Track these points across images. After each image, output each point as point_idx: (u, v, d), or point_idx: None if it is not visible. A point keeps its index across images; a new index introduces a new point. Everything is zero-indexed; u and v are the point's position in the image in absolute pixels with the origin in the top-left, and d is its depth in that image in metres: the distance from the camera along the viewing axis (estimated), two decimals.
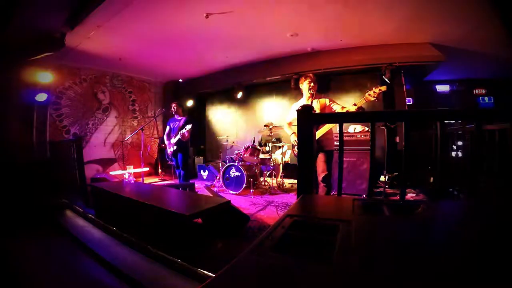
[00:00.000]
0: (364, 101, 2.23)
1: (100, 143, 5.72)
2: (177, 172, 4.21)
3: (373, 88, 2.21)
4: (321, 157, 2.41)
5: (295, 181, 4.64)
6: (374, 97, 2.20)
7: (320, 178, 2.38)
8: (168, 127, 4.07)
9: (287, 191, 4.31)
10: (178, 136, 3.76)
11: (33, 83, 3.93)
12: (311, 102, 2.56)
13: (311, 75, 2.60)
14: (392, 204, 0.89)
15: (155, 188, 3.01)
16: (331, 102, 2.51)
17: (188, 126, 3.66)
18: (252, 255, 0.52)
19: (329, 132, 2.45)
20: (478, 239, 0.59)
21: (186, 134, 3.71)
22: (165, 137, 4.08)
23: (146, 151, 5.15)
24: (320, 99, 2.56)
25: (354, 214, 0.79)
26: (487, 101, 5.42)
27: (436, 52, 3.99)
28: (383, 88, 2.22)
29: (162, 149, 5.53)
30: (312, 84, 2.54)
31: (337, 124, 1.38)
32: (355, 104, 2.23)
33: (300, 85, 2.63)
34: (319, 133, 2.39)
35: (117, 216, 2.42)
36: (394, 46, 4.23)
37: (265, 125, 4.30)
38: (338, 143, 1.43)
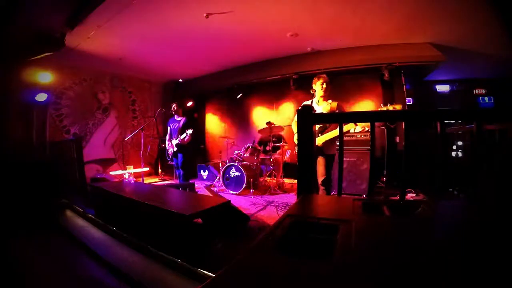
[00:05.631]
0: None
1: (100, 143, 5.71)
2: (177, 173, 4.22)
3: (388, 104, 2.18)
4: (320, 161, 2.40)
5: (295, 181, 4.64)
6: None
7: (319, 181, 2.39)
8: (168, 128, 4.09)
9: (287, 191, 4.31)
10: (177, 141, 3.81)
11: (33, 83, 3.93)
12: (318, 103, 2.55)
13: (324, 75, 2.57)
14: (392, 204, 0.89)
15: (155, 188, 3.01)
16: (341, 110, 2.48)
17: (189, 131, 3.68)
18: (252, 255, 0.52)
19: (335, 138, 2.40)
20: (478, 239, 0.59)
21: (186, 139, 3.76)
22: (167, 139, 4.10)
23: (146, 151, 5.15)
24: (332, 103, 2.52)
25: (354, 214, 0.79)
26: (487, 101, 5.41)
27: (436, 52, 3.99)
28: (398, 106, 2.17)
29: (162, 149, 5.53)
30: (325, 85, 2.52)
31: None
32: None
33: (313, 85, 2.58)
34: (324, 138, 2.35)
35: (117, 216, 2.42)
36: (394, 46, 4.23)
37: (266, 124, 4.30)
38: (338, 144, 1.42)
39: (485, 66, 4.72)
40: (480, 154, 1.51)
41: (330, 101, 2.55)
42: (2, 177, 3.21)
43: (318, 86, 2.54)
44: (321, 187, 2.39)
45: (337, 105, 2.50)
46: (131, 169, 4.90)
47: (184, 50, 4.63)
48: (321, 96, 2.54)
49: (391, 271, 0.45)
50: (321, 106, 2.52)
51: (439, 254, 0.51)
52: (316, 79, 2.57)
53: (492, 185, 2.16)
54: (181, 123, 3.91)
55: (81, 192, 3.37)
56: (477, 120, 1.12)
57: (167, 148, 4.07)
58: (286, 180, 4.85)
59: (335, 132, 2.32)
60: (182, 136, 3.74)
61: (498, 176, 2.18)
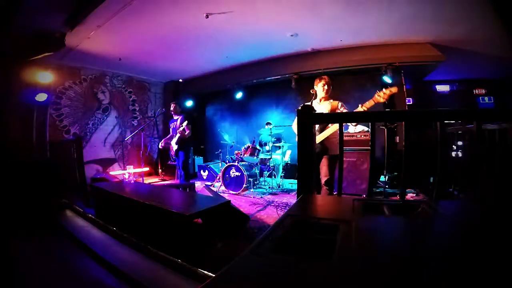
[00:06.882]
0: (373, 102, 2.12)
1: (100, 143, 5.71)
2: (178, 172, 4.23)
3: (383, 89, 2.07)
4: (324, 161, 2.42)
5: (295, 181, 4.64)
6: (384, 98, 2.07)
7: (322, 181, 2.40)
8: (170, 130, 4.11)
9: (287, 191, 4.31)
10: (178, 135, 3.82)
11: (33, 83, 3.93)
12: (319, 103, 2.57)
13: (326, 77, 2.59)
14: (392, 204, 0.89)
15: (155, 188, 3.01)
16: (342, 108, 2.50)
17: (185, 123, 3.74)
18: (252, 255, 0.52)
19: (335, 135, 2.36)
20: (478, 239, 0.59)
21: (186, 133, 3.78)
22: (169, 141, 4.11)
23: (146, 151, 5.15)
24: (333, 102, 2.55)
25: (354, 214, 0.79)
26: (487, 101, 5.42)
27: (436, 52, 3.99)
28: (394, 89, 2.06)
29: (162, 149, 5.54)
30: (326, 86, 2.55)
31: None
32: (362, 105, 2.14)
33: (315, 86, 2.61)
34: (323, 135, 2.35)
35: (117, 216, 2.42)
36: (394, 46, 4.23)
37: (266, 124, 4.30)
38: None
39: (485, 66, 4.72)
40: (480, 154, 1.51)
41: (331, 100, 2.58)
42: (2, 177, 3.21)
43: (319, 87, 2.57)
44: (324, 187, 2.41)
45: (339, 104, 2.52)
46: (131, 169, 4.90)
47: (184, 50, 4.63)
48: (322, 97, 2.58)
49: (391, 271, 0.45)
50: (322, 105, 2.54)
51: (439, 254, 0.51)
52: (318, 80, 2.60)
53: (492, 185, 2.16)
54: (179, 121, 3.94)
55: (81, 192, 3.37)
56: (477, 120, 1.12)
57: (169, 148, 4.08)
58: (286, 180, 4.84)
59: (334, 127, 2.29)
60: (180, 129, 3.78)
61: (498, 176, 2.18)
